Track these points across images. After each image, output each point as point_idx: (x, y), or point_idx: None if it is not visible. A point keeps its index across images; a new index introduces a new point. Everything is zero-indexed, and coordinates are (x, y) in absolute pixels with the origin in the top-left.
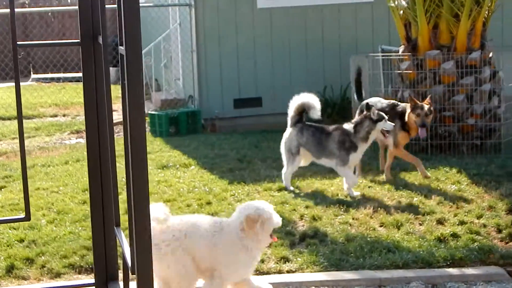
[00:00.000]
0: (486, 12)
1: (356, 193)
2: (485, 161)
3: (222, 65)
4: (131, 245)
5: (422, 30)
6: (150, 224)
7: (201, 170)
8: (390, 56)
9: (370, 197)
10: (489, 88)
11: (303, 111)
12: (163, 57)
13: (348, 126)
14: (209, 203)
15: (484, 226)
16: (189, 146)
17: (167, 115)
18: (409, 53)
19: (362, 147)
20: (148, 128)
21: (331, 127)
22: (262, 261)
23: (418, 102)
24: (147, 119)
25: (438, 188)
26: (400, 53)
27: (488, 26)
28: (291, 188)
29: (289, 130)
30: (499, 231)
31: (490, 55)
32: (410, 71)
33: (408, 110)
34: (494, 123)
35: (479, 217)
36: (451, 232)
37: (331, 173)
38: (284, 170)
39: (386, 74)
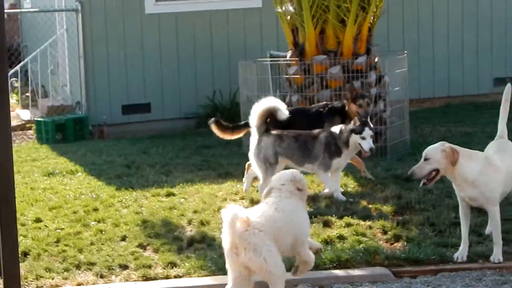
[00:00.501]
0: (372, 18)
1: (343, 197)
2: (371, 164)
3: (110, 71)
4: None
5: (309, 36)
6: (15, 226)
7: (88, 177)
8: (278, 61)
9: (259, 201)
10: (375, 92)
11: (268, 116)
12: (49, 63)
13: (335, 129)
14: (96, 209)
15: (370, 228)
16: (76, 152)
17: (53, 122)
18: (297, 58)
19: (346, 153)
20: (34, 135)
21: (316, 131)
22: (150, 266)
23: (358, 91)
24: (33, 126)
25: (325, 191)
26: (287, 58)
27: (374, 32)
28: None
29: (260, 139)
30: (385, 232)
31: (376, 60)
32: (298, 76)
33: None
34: (380, 127)
35: (365, 219)
36: (338, 234)
37: (220, 177)
38: (260, 182)
39: (274, 79)
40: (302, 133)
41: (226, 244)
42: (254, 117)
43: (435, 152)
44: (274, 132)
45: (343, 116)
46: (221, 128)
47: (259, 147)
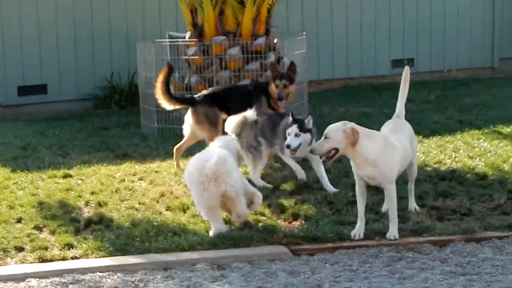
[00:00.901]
0: None
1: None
2: None
3: (6, 51)
4: None
5: (208, 16)
6: None
7: None
8: (177, 42)
9: (157, 182)
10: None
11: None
12: None
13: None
14: None
15: (269, 206)
16: None
17: None
18: (196, 39)
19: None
20: None
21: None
22: (46, 248)
23: (279, 70)
24: None
25: None
26: (186, 39)
27: (273, 13)
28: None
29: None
30: (283, 211)
31: (275, 41)
32: (197, 57)
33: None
34: None
35: (264, 198)
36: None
37: (118, 158)
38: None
39: (173, 60)
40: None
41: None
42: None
43: (336, 132)
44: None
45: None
46: (167, 93)
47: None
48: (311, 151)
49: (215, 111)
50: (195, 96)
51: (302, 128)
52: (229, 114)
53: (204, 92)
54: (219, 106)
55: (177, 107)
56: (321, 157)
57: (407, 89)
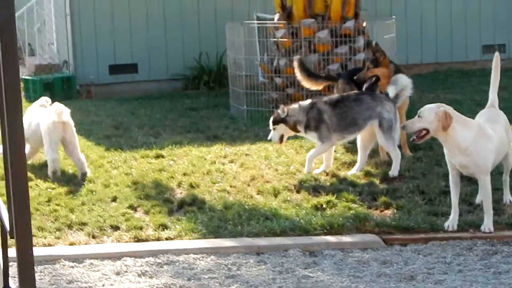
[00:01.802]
0: None
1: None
2: None
3: (97, 30)
4: (8, 208)
5: None
6: (27, 187)
7: (78, 137)
8: (266, 24)
9: (248, 165)
10: (363, 58)
11: None
12: (36, 20)
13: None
14: None
15: (360, 194)
16: None
17: (41, 81)
18: (284, 21)
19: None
20: (22, 93)
21: None
22: (141, 228)
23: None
24: (21, 84)
25: None
26: (275, 21)
27: None
28: None
29: None
30: (374, 199)
31: (364, 24)
32: (286, 39)
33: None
34: None
35: (355, 185)
36: (328, 200)
37: (208, 140)
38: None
39: (261, 42)
40: None
41: None
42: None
43: (429, 113)
44: None
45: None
46: (305, 72)
47: None
48: (403, 128)
49: (352, 87)
50: (337, 73)
51: None
52: None
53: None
54: (356, 84)
55: (323, 85)
56: (411, 135)
57: (498, 77)
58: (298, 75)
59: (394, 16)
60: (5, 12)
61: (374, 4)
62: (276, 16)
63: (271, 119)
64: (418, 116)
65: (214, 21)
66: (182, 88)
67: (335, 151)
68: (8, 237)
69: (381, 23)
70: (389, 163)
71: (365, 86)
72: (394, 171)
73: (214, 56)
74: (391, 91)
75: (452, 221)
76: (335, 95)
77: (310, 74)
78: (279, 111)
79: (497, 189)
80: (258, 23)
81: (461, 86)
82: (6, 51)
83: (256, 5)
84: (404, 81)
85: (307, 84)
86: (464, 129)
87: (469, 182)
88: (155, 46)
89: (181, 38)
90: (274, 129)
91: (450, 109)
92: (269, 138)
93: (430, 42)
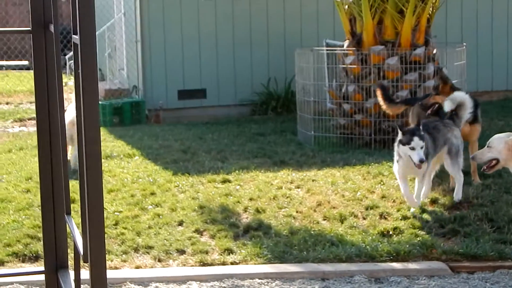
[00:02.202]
0: (431, 9)
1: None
2: None
3: (167, 55)
4: (83, 233)
5: (367, 25)
6: (103, 211)
7: (145, 161)
8: (335, 50)
9: (314, 190)
10: (433, 84)
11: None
12: (107, 46)
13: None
14: (153, 193)
15: (427, 221)
16: (133, 136)
17: (111, 105)
18: (354, 48)
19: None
20: None
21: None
22: (206, 252)
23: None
24: None
25: (381, 182)
26: (344, 47)
27: (432, 23)
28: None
29: None
30: (442, 226)
31: (434, 51)
32: (355, 66)
33: None
34: None
35: (422, 212)
36: (394, 227)
37: (275, 165)
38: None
39: (330, 68)
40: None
41: None
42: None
43: (499, 142)
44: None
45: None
46: (386, 98)
47: None
48: (472, 158)
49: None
50: (414, 97)
51: (422, 138)
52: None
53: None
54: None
55: (402, 109)
56: (482, 166)
57: None
58: (380, 99)
59: (464, 43)
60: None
61: (444, 31)
62: (346, 43)
63: None
64: (488, 146)
65: (283, 47)
66: (250, 113)
67: None
68: (82, 261)
69: (451, 50)
70: None
71: (427, 113)
72: (457, 195)
73: (282, 82)
74: (447, 106)
75: None
76: (414, 124)
77: (391, 99)
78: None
79: None
80: (327, 50)
81: None
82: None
83: (326, 32)
84: (460, 97)
85: (387, 108)
86: None
87: None
88: (224, 72)
89: (249, 63)
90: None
91: None
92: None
93: (500, 69)
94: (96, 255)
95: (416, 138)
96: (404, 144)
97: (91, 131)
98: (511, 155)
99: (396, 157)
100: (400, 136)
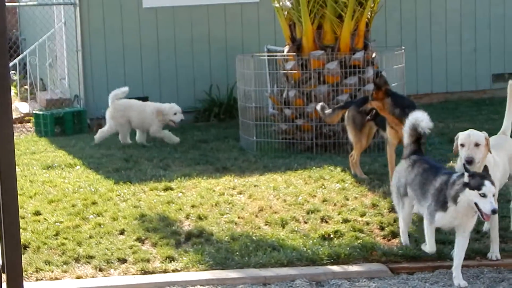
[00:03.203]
0: (369, 13)
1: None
2: (368, 160)
3: (108, 64)
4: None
5: (307, 31)
6: (18, 221)
7: (87, 170)
8: (276, 56)
9: (256, 196)
10: (372, 89)
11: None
12: (48, 56)
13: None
14: (94, 203)
15: (367, 224)
16: (74, 146)
17: (52, 115)
18: (294, 53)
19: (453, 210)
20: (33, 128)
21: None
22: (148, 260)
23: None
24: (32, 119)
25: (323, 186)
26: (285, 53)
27: (371, 27)
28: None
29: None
30: (382, 228)
31: (373, 55)
32: (295, 71)
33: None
34: None
35: (362, 215)
36: (335, 230)
37: (218, 172)
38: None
39: (271, 74)
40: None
41: None
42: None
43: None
44: (414, 156)
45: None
46: (325, 113)
47: (398, 172)
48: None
49: (362, 116)
50: (349, 101)
51: (493, 183)
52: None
53: (356, 99)
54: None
55: (340, 116)
56: None
57: None
58: (323, 117)
59: (403, 47)
60: None
61: (384, 35)
62: (286, 48)
63: None
64: None
65: (224, 54)
66: (193, 120)
67: (343, 181)
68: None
69: (390, 53)
70: None
71: (367, 118)
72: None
73: (224, 89)
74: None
75: None
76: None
77: (329, 113)
78: None
79: (503, 217)
80: (268, 55)
81: (471, 115)
82: None
83: (267, 38)
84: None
85: (328, 120)
86: None
87: None
88: (166, 79)
89: (191, 71)
90: None
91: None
92: None
93: (440, 72)
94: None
95: (488, 183)
96: (472, 189)
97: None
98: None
99: (436, 205)
100: (466, 178)
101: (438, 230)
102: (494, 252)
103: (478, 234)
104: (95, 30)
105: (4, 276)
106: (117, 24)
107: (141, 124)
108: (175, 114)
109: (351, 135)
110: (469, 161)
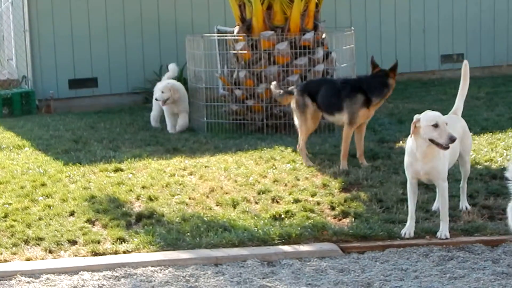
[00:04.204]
0: None
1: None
2: (319, 140)
3: (56, 45)
4: None
5: (256, 11)
6: None
7: (36, 152)
8: (226, 36)
9: (207, 177)
10: (323, 69)
11: None
12: None
13: None
14: (43, 184)
15: (318, 204)
16: (23, 127)
17: (0, 96)
18: (244, 34)
19: None
20: None
21: None
22: (98, 242)
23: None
24: None
25: (274, 167)
26: (235, 33)
27: (321, 8)
28: None
29: None
30: (333, 208)
31: (323, 36)
32: (245, 52)
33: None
34: None
35: (313, 195)
36: (286, 210)
37: (168, 153)
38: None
39: (222, 54)
40: None
41: None
42: None
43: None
44: None
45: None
46: (279, 94)
47: None
48: None
49: (305, 100)
50: (295, 86)
51: None
52: (318, 106)
53: (302, 83)
54: (310, 96)
55: (288, 99)
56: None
57: (467, 85)
58: (276, 98)
59: (353, 28)
60: None
61: (333, 16)
62: (236, 29)
63: None
64: None
65: (174, 34)
66: (143, 101)
67: (294, 162)
68: None
69: (340, 34)
70: (347, 173)
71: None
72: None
73: None
74: None
75: (408, 228)
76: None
77: (282, 94)
78: None
79: (453, 196)
80: (218, 36)
81: (420, 96)
82: None
83: (217, 19)
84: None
85: (283, 102)
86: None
87: (425, 190)
88: (115, 60)
89: (141, 51)
90: None
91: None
92: None
93: (389, 53)
94: None
95: None
96: None
97: None
98: (415, 134)
99: None
100: None
101: (387, 210)
102: (443, 231)
103: (428, 213)
104: (43, 10)
105: None
106: (65, 4)
107: None
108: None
109: (298, 121)
110: (454, 140)
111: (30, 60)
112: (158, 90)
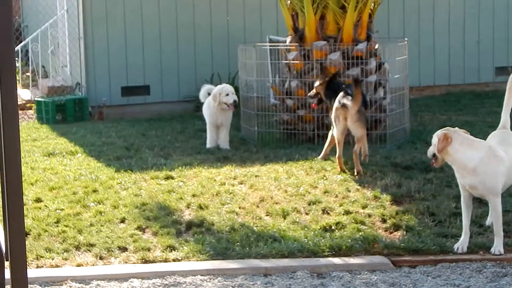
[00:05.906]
0: (372, 4)
1: None
2: (370, 151)
3: (110, 52)
4: (4, 231)
5: (309, 21)
6: (23, 208)
7: (88, 158)
8: (278, 46)
9: (257, 186)
10: (375, 80)
11: None
12: (50, 43)
13: None
14: (95, 191)
15: (369, 216)
16: (76, 133)
17: (53, 102)
18: (296, 44)
19: None
20: (34, 115)
21: None
22: (148, 249)
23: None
24: (34, 106)
25: (324, 177)
26: (287, 43)
27: (374, 18)
28: None
29: None
30: (384, 221)
31: (376, 46)
32: (297, 62)
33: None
34: (379, 114)
35: (364, 207)
36: (337, 222)
37: (218, 161)
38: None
39: (273, 64)
40: None
41: None
42: None
43: (434, 137)
44: None
45: None
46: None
47: None
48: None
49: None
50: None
51: None
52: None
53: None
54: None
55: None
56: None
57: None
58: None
59: (406, 38)
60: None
61: (386, 27)
62: (289, 38)
63: None
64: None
65: (226, 43)
66: (194, 109)
67: (344, 173)
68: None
69: (393, 45)
70: (398, 185)
71: None
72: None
73: (226, 78)
74: None
75: (462, 243)
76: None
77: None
78: None
79: (507, 211)
80: (270, 45)
81: (473, 108)
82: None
83: (269, 28)
84: None
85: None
86: (470, 150)
87: (480, 204)
88: (168, 68)
89: (193, 59)
90: None
91: (452, 131)
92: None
93: (442, 64)
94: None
95: None
96: None
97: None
98: (442, 149)
99: None
100: None
101: (440, 224)
102: (498, 246)
103: (482, 228)
104: (97, 17)
105: (7, 263)
106: (119, 12)
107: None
108: (227, 95)
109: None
110: None
111: (84, 67)
112: (229, 92)
